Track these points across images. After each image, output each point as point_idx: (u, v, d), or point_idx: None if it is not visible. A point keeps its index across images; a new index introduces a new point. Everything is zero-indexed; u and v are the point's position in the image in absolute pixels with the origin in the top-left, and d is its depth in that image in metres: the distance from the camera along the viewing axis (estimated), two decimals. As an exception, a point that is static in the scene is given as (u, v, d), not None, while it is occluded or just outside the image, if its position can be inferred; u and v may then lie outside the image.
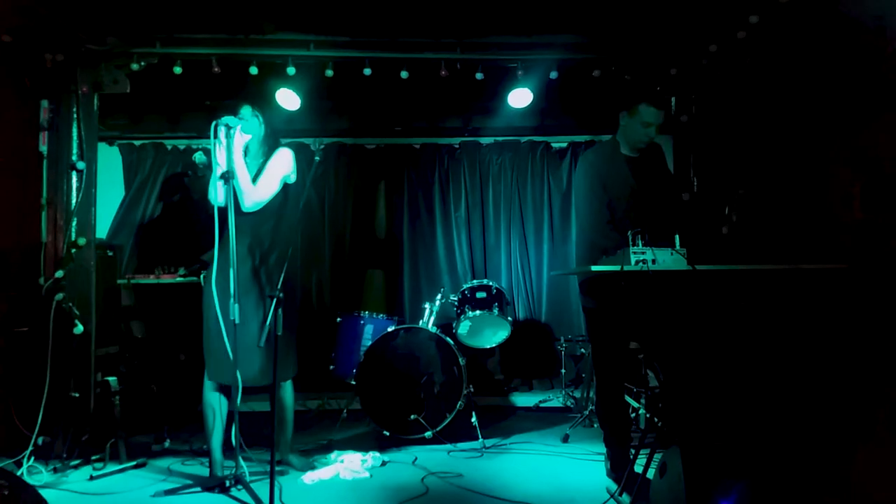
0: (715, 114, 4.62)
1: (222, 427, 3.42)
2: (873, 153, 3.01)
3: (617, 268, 2.82)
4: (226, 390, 3.41)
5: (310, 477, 3.47)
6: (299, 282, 5.86)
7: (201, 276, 3.17)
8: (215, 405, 3.40)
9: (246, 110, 3.44)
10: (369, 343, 4.40)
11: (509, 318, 4.68)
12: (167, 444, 4.14)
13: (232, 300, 3.03)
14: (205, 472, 3.55)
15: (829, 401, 3.06)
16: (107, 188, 5.15)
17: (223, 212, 3.13)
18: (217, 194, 3.30)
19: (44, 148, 4.10)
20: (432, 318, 4.57)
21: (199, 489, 3.29)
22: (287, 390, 3.61)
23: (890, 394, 2.76)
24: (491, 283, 4.78)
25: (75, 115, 4.15)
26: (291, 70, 4.31)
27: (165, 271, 4.72)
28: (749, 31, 3.92)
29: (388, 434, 4.16)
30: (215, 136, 3.19)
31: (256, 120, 3.46)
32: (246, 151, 3.49)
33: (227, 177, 3.14)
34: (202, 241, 3.17)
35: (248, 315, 3.27)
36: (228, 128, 3.22)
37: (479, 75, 4.43)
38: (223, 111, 3.30)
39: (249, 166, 3.40)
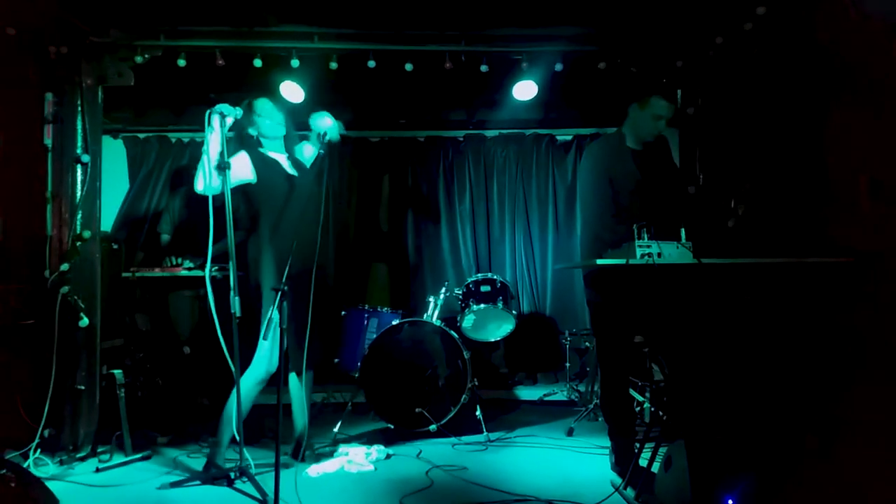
0: (721, 106, 4.59)
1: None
2: (881, 145, 2.99)
3: (622, 261, 2.81)
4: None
5: (315, 470, 3.48)
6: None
7: (206, 270, 3.15)
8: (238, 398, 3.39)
9: (265, 104, 3.57)
10: (374, 336, 4.40)
11: (514, 312, 4.68)
12: (172, 436, 4.15)
13: (232, 293, 3.03)
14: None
15: (835, 395, 3.05)
16: (111, 181, 5.14)
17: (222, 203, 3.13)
18: (203, 182, 3.27)
19: (48, 141, 4.09)
20: (437, 312, 4.57)
21: (206, 481, 3.30)
22: (309, 376, 3.69)
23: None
24: (495, 277, 4.78)
25: (80, 108, 4.13)
26: (295, 63, 4.30)
27: (171, 264, 4.72)
28: (756, 22, 3.89)
29: (392, 427, 4.16)
30: (209, 124, 3.20)
31: (280, 115, 3.61)
32: (259, 143, 3.58)
33: (225, 167, 3.14)
34: (209, 235, 3.13)
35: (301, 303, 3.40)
36: (223, 116, 3.21)
37: (483, 68, 4.40)
38: (219, 100, 3.30)
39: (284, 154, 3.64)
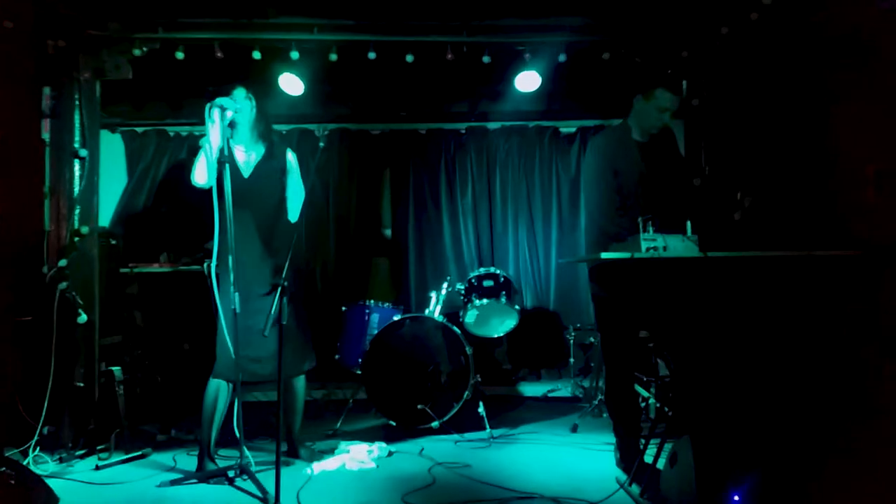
0: (727, 97, 4.55)
1: (221, 419, 3.38)
2: (889, 134, 2.95)
3: (627, 255, 2.78)
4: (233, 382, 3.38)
5: (316, 468, 3.45)
6: (304, 271, 5.84)
7: (204, 265, 3.13)
8: (218, 396, 3.36)
9: (239, 92, 3.39)
10: (375, 332, 4.36)
11: (517, 307, 4.64)
12: (172, 433, 4.13)
13: (232, 288, 3.00)
14: (210, 463, 3.51)
15: (842, 391, 3.02)
16: (109, 176, 5.12)
17: (220, 198, 3.09)
18: (202, 175, 3.25)
19: (46, 135, 4.07)
20: (439, 307, 4.53)
21: (204, 479, 3.27)
22: (300, 380, 3.60)
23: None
24: (498, 272, 4.74)
25: (77, 102, 4.10)
26: (295, 54, 4.27)
27: (169, 260, 4.70)
28: (762, 12, 3.85)
29: (394, 424, 4.13)
30: (209, 117, 3.16)
31: (248, 103, 3.41)
32: (233, 133, 3.43)
33: (225, 160, 3.09)
34: (207, 230, 3.12)
35: (258, 307, 3.24)
36: (223, 109, 3.17)
37: (485, 59, 4.37)
38: (217, 93, 3.25)
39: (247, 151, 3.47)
